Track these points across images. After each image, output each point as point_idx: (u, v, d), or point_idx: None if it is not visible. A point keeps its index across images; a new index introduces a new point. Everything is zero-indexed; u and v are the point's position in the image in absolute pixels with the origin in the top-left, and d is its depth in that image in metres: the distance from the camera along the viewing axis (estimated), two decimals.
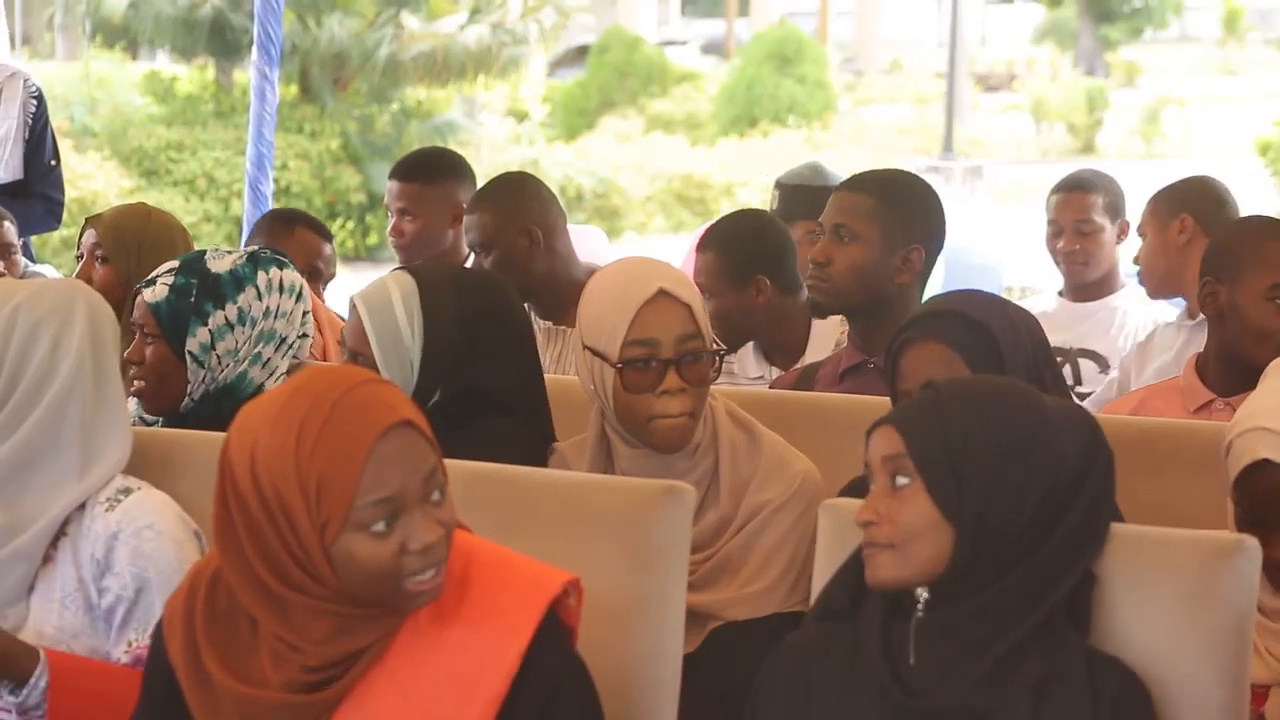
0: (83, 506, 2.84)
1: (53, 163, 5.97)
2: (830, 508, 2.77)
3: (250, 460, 2.34)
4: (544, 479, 2.90)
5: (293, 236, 5.00)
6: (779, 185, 5.36)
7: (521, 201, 4.68)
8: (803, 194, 5.06)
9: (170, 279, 3.56)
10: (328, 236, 5.14)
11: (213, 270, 3.56)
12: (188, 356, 3.52)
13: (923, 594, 2.49)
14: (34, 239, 6.25)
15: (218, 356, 3.54)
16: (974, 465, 2.46)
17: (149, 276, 3.62)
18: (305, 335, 3.68)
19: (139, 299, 3.58)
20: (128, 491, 2.83)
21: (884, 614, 2.52)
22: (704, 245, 4.48)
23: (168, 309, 3.53)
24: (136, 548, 2.79)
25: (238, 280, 3.57)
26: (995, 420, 2.49)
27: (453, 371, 3.32)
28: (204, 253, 3.64)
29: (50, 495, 2.82)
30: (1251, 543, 2.57)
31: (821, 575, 2.68)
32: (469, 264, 4.82)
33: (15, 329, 2.82)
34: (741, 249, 4.36)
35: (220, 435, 2.46)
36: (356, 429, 2.32)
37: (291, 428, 2.32)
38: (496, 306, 3.42)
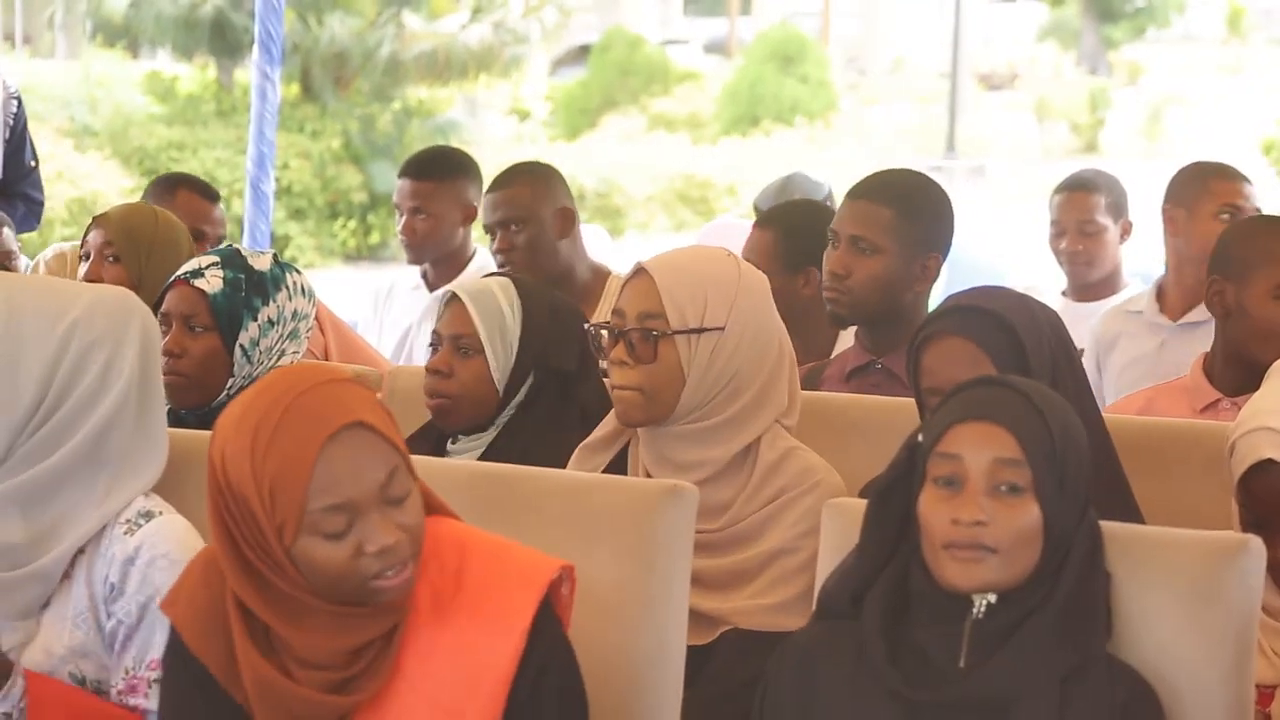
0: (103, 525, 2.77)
1: (32, 164, 5.89)
2: (834, 507, 2.76)
3: (222, 460, 2.39)
4: (547, 478, 2.89)
5: (175, 199, 4.92)
6: (756, 209, 5.34)
7: (556, 182, 4.76)
8: None
9: (219, 271, 3.56)
10: (214, 198, 5.10)
11: (255, 268, 3.59)
12: (238, 350, 3.53)
13: (989, 599, 2.49)
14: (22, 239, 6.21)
15: (260, 353, 3.56)
16: (1073, 480, 2.48)
17: (188, 268, 3.59)
18: (307, 336, 3.73)
19: (181, 290, 3.56)
20: (149, 515, 2.75)
21: (884, 617, 2.52)
22: (765, 223, 4.46)
23: (225, 301, 3.54)
24: (147, 575, 2.71)
25: (275, 280, 3.60)
26: (1073, 424, 2.52)
27: (545, 353, 3.48)
28: (237, 249, 3.65)
29: (75, 515, 2.73)
30: (1255, 543, 2.57)
31: (824, 574, 2.68)
32: (494, 247, 4.82)
33: (69, 348, 2.72)
34: (803, 236, 4.29)
35: None
36: (305, 433, 2.34)
37: (248, 431, 2.36)
38: (572, 305, 3.60)
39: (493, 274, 3.64)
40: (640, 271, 3.18)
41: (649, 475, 3.17)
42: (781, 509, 3.14)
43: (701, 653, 3.03)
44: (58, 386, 2.71)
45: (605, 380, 3.26)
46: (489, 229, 4.85)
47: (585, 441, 3.29)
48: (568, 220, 4.73)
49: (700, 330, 3.13)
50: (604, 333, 3.20)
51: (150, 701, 2.67)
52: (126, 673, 2.71)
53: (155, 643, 2.66)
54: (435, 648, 2.41)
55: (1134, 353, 4.74)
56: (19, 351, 2.69)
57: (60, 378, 2.71)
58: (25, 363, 2.69)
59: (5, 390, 2.68)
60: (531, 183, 4.74)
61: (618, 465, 3.24)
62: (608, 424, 3.26)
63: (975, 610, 2.49)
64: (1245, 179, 4.94)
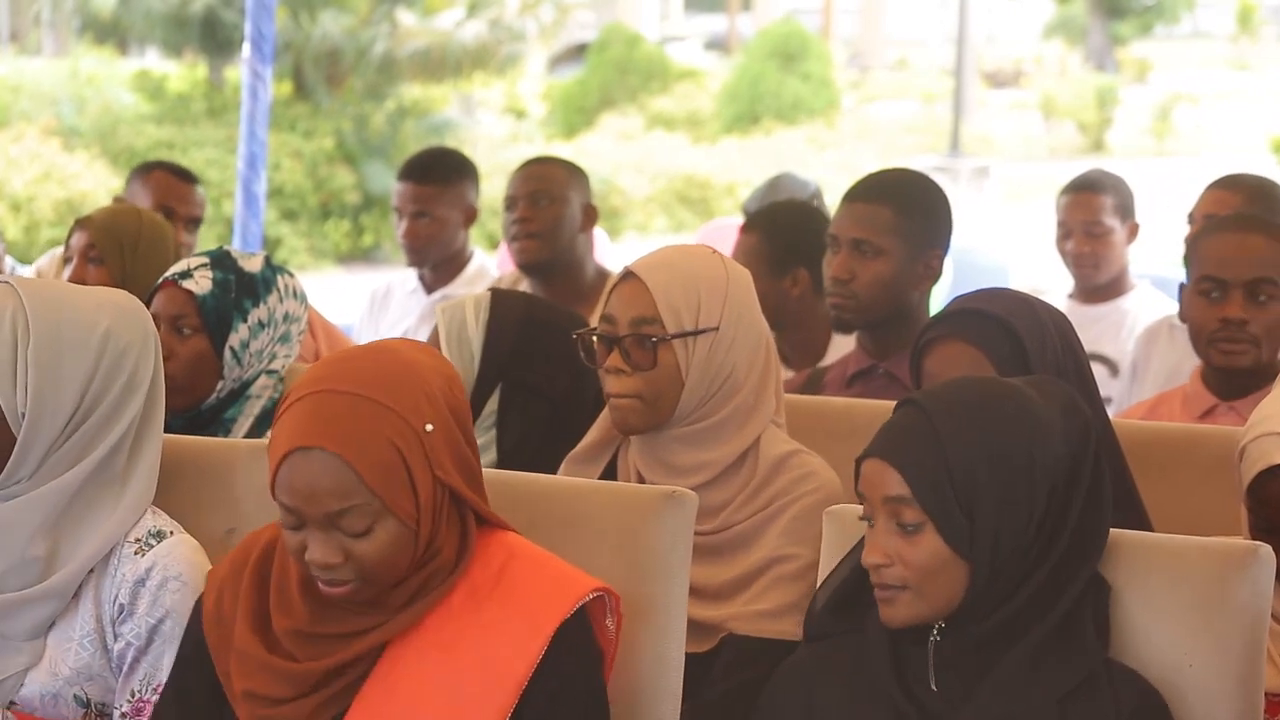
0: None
1: None
2: (834, 514, 2.76)
3: None
4: (545, 484, 2.88)
5: (149, 178, 5.10)
6: (744, 212, 5.42)
7: (585, 179, 4.96)
8: None
9: (208, 273, 3.54)
10: (191, 180, 5.23)
11: (245, 269, 3.57)
12: (228, 352, 3.52)
13: (939, 623, 2.47)
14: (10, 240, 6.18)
15: (250, 355, 3.55)
16: (983, 500, 2.43)
17: (177, 270, 3.57)
18: (299, 339, 3.73)
19: (169, 291, 3.54)
20: (160, 535, 2.72)
21: (891, 635, 2.51)
22: (750, 226, 4.48)
23: (214, 303, 3.52)
24: (158, 597, 2.68)
25: (265, 282, 3.59)
26: (994, 441, 2.44)
27: (510, 366, 3.50)
28: (227, 250, 3.64)
29: (88, 531, 2.70)
30: (1265, 550, 2.57)
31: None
32: (512, 217, 4.90)
33: (104, 357, 2.71)
34: (787, 237, 4.33)
35: (210, 441, 2.80)
36: (291, 429, 2.39)
37: (298, 390, 2.43)
38: (561, 322, 3.55)
39: (495, 281, 3.66)
40: (629, 275, 3.14)
41: (641, 481, 3.14)
42: (776, 514, 3.12)
43: (702, 660, 3.03)
44: (91, 396, 2.70)
45: (605, 388, 3.19)
46: (512, 200, 4.92)
47: (572, 453, 3.25)
48: (589, 217, 4.88)
49: (697, 332, 3.10)
50: (593, 340, 3.16)
51: None
52: (133, 695, 2.68)
53: (163, 665, 2.64)
54: (460, 638, 2.45)
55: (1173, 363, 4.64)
56: (60, 359, 2.68)
57: (94, 387, 2.70)
58: (66, 371, 2.68)
59: (50, 398, 2.66)
60: (568, 169, 4.96)
61: (607, 474, 3.22)
62: (595, 432, 3.23)
63: (933, 634, 2.48)
64: (1232, 189, 4.85)
